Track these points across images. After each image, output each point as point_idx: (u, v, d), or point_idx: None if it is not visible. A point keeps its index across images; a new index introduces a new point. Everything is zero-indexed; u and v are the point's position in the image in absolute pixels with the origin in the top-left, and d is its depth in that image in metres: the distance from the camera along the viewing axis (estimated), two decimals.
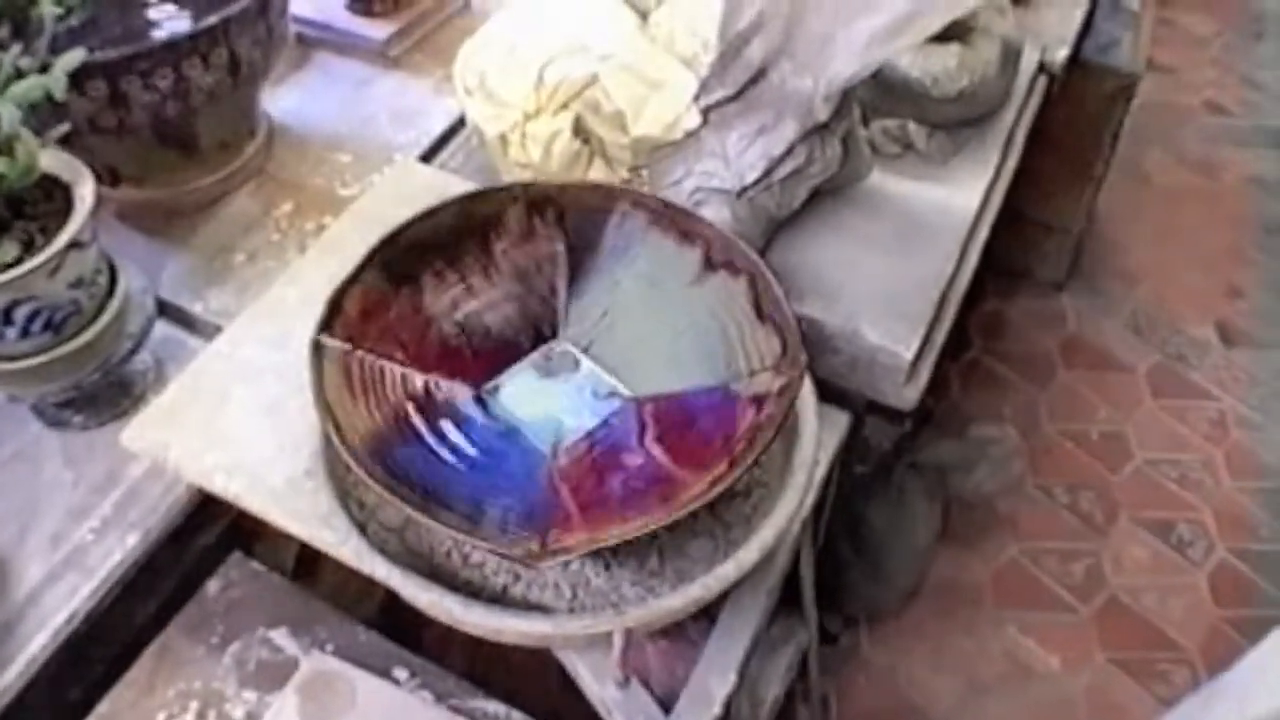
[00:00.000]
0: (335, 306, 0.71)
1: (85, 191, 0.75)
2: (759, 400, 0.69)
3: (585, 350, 0.80)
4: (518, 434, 0.74)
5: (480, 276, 0.79)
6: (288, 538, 0.75)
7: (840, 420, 0.88)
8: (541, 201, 0.79)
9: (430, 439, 0.70)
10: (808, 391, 0.74)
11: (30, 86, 0.74)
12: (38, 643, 0.74)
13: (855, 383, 0.90)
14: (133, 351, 0.83)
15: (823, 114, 0.85)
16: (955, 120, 1.04)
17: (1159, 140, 2.27)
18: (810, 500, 0.80)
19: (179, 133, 0.96)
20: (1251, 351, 1.89)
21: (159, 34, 1.00)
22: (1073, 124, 1.63)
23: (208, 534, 0.85)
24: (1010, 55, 1.05)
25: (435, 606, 0.65)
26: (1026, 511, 1.65)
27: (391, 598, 0.71)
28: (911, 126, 1.02)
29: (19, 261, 0.71)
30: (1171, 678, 1.46)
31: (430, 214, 0.76)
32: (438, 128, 1.13)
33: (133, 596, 0.79)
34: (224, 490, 0.75)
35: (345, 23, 1.23)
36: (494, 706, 0.78)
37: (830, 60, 0.83)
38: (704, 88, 0.89)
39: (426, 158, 1.09)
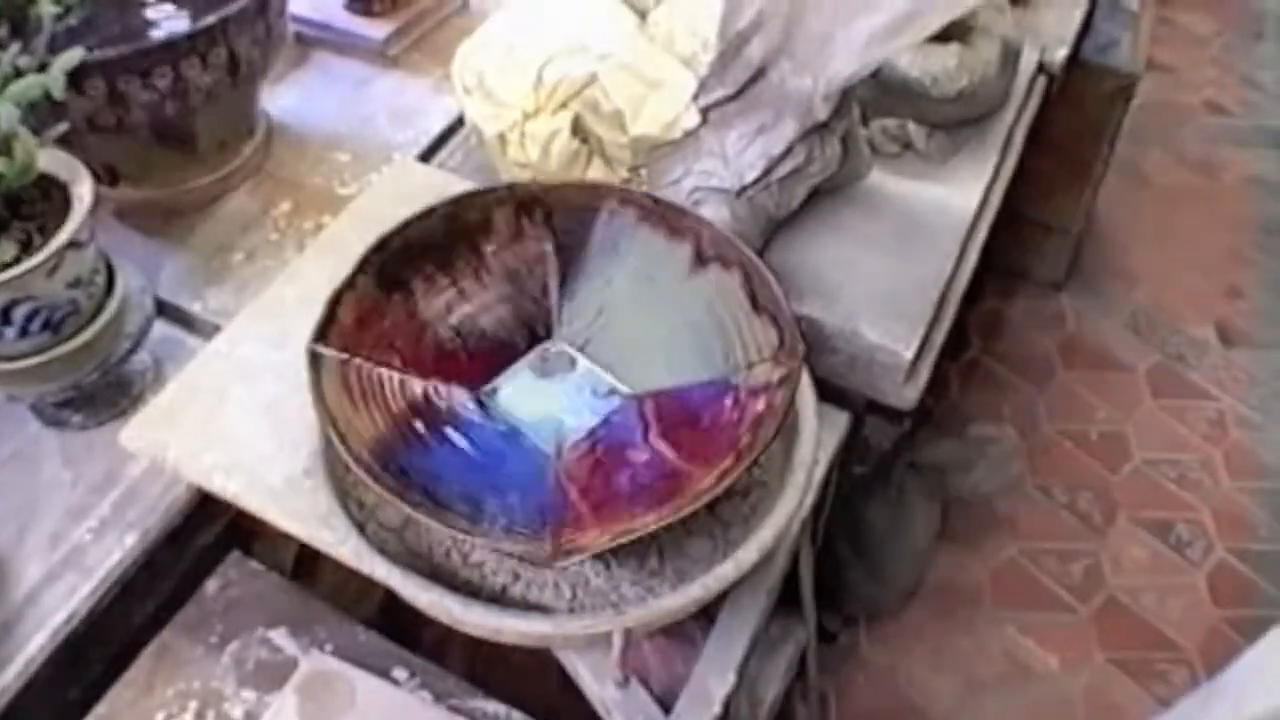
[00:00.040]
0: (330, 315, 0.70)
1: (83, 191, 0.75)
2: (760, 392, 0.69)
3: (582, 349, 0.79)
4: (520, 435, 0.74)
5: (472, 280, 0.79)
6: (287, 537, 0.74)
7: (840, 420, 0.88)
8: (528, 202, 0.79)
9: (434, 444, 0.70)
10: (807, 390, 0.74)
11: (28, 85, 0.74)
12: (36, 643, 0.73)
13: (854, 382, 0.90)
14: (131, 351, 0.83)
15: (822, 113, 0.85)
16: (955, 120, 1.04)
17: (1158, 140, 2.27)
18: (810, 500, 0.80)
19: (177, 132, 0.96)
20: (1251, 351, 1.89)
21: (157, 33, 1.00)
22: (1072, 124, 1.63)
23: (206, 534, 0.85)
24: (1010, 55, 1.05)
25: (435, 606, 0.65)
26: (1025, 511, 1.65)
27: (391, 597, 0.70)
28: (911, 126, 1.02)
29: (17, 261, 0.71)
30: (1170, 678, 1.46)
31: (418, 219, 0.76)
32: (436, 127, 1.13)
33: (131, 596, 0.79)
34: (223, 490, 0.75)
35: (344, 22, 1.23)
36: (493, 706, 0.78)
37: (830, 59, 0.83)
38: (703, 87, 0.89)
39: (425, 157, 1.09)
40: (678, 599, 0.65)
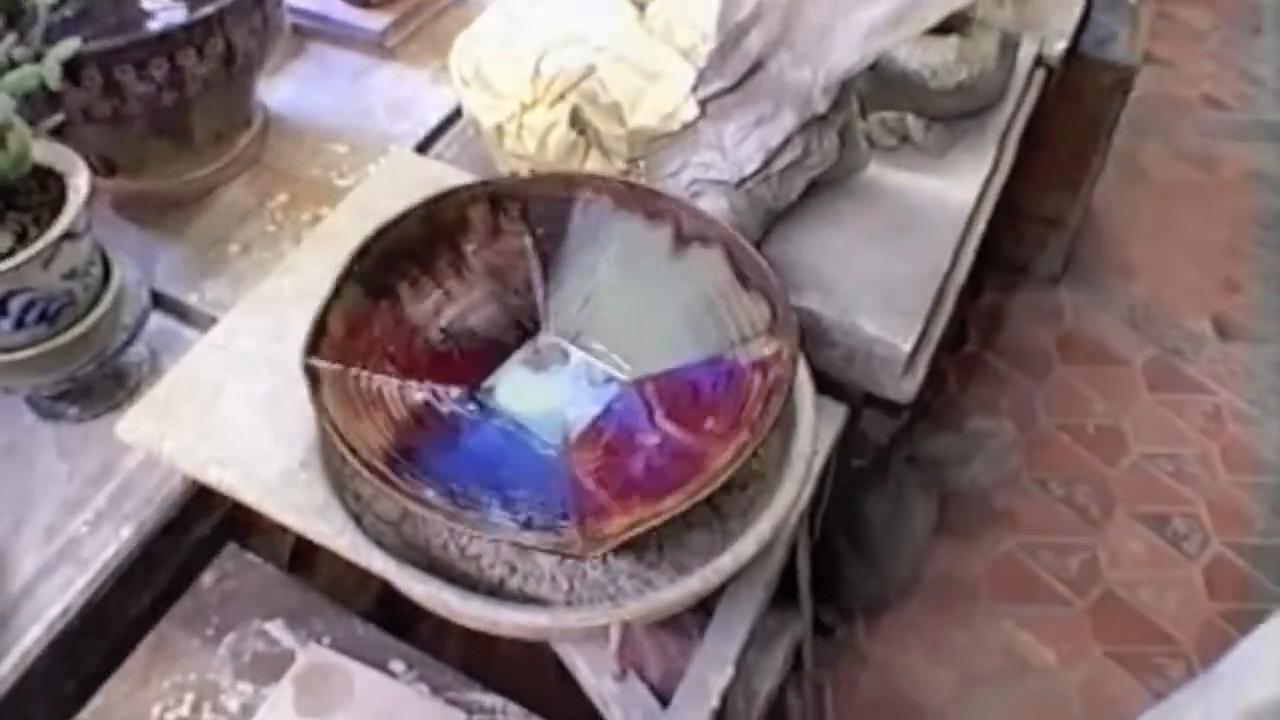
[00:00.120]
0: (319, 329, 0.70)
1: (79, 182, 0.75)
2: (759, 365, 0.69)
3: (573, 340, 0.79)
4: (524, 431, 0.73)
5: (455, 280, 0.78)
6: (283, 530, 0.74)
7: (838, 412, 0.88)
8: (502, 197, 0.79)
9: (442, 447, 0.70)
10: (805, 383, 0.74)
11: (24, 76, 0.74)
12: (32, 635, 0.73)
13: (853, 375, 0.90)
14: (127, 343, 0.83)
15: (821, 105, 0.84)
16: (953, 113, 1.04)
17: (1156, 134, 2.27)
18: (808, 492, 0.80)
19: (174, 123, 0.96)
20: (1248, 345, 1.89)
21: (154, 24, 0.99)
22: (1070, 117, 1.63)
23: (203, 526, 0.85)
24: (1008, 48, 1.05)
25: (432, 599, 0.65)
26: (1023, 505, 1.65)
27: (388, 590, 0.70)
28: (909, 119, 1.02)
29: (12, 253, 0.71)
30: (1167, 671, 1.46)
31: (395, 223, 0.75)
32: (434, 118, 1.12)
33: (127, 589, 0.79)
34: (219, 482, 0.74)
35: (341, 13, 1.22)
36: (491, 699, 0.78)
37: (829, 51, 0.83)
38: (702, 79, 0.89)
39: (423, 148, 1.09)
40: (675, 592, 0.65)
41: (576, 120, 0.94)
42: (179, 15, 0.98)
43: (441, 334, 0.77)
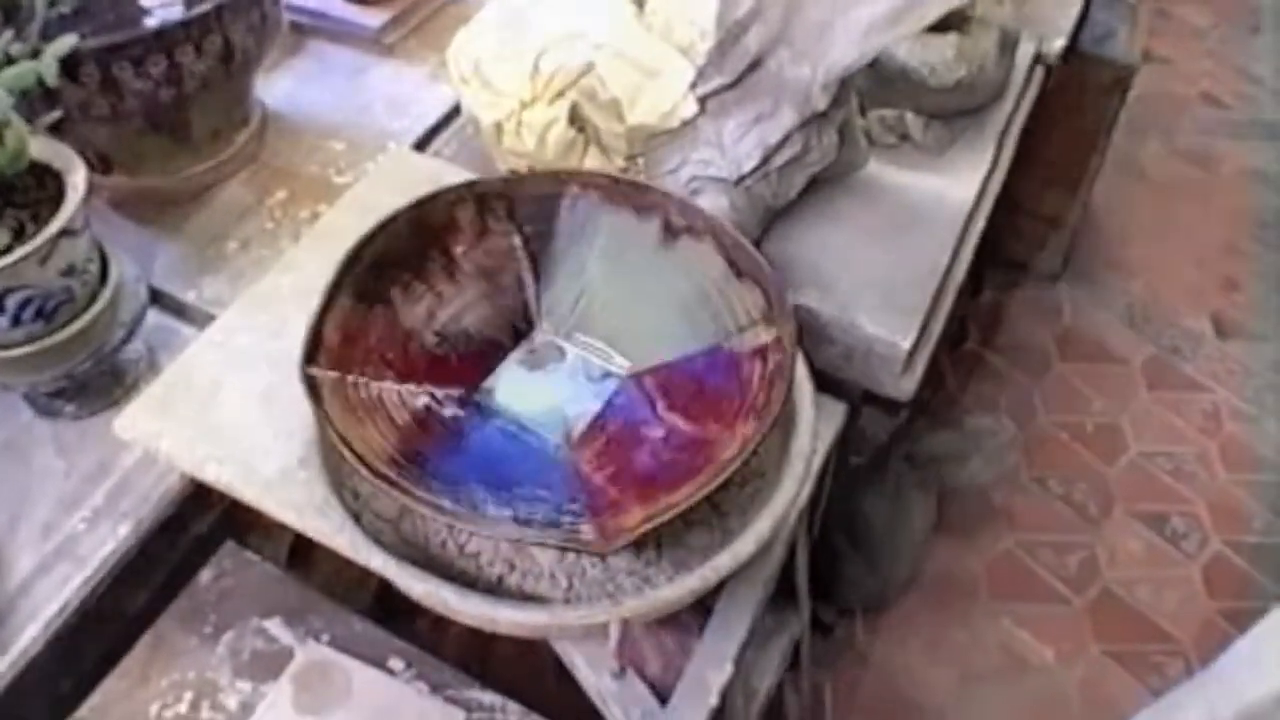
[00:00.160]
0: (315, 337, 0.70)
1: (77, 179, 0.75)
2: (758, 353, 0.69)
3: (568, 337, 0.79)
4: (526, 431, 0.73)
5: (447, 282, 0.78)
6: (281, 527, 0.74)
7: (837, 410, 0.88)
8: (488, 198, 0.78)
9: (446, 449, 0.70)
10: (805, 381, 0.74)
11: (21, 72, 0.74)
12: (29, 634, 0.73)
13: (852, 373, 0.90)
14: (125, 340, 0.82)
15: (820, 102, 0.84)
16: (952, 110, 1.03)
17: (1155, 132, 2.27)
18: (807, 490, 0.80)
19: (172, 120, 0.95)
20: (1246, 344, 1.89)
21: (152, 21, 0.99)
22: (1069, 115, 1.63)
23: (200, 523, 0.85)
24: (1008, 46, 1.05)
25: (431, 597, 0.65)
26: (1021, 503, 1.65)
27: (386, 587, 0.70)
28: (909, 116, 1.02)
29: (9, 249, 0.70)
30: (1165, 670, 1.47)
31: (383, 227, 0.75)
32: (432, 115, 1.12)
33: (125, 587, 0.79)
34: (216, 480, 0.74)
35: (340, 10, 1.22)
36: (489, 697, 0.77)
37: (829, 48, 0.83)
38: (701, 76, 0.89)
39: (421, 145, 1.09)
40: (675, 590, 0.65)
41: (575, 117, 0.93)
42: (177, 12, 0.98)
43: (437, 337, 0.77)
